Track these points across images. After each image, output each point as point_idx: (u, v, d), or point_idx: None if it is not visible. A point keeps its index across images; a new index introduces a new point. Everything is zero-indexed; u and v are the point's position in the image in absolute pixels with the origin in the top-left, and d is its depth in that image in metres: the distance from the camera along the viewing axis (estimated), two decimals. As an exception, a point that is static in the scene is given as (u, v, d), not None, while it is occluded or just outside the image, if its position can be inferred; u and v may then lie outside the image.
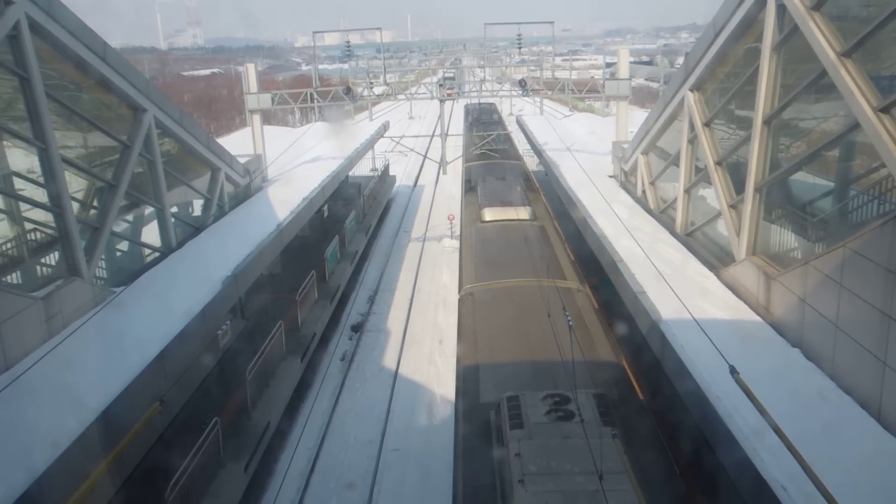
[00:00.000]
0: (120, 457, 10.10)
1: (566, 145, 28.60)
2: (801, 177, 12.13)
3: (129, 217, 16.58)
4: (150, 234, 17.08)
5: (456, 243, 27.77)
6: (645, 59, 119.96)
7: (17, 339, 10.94)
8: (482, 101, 54.92)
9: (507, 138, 41.19)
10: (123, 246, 16.46)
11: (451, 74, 57.60)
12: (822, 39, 10.28)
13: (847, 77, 9.67)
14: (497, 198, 23.00)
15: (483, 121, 47.71)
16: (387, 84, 30.08)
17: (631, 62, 30.65)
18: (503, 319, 14.39)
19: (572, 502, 7.61)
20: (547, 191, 28.81)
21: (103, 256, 14.77)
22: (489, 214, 21.33)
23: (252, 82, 27.28)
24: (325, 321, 20.67)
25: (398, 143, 35.33)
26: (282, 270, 21.34)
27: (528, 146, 40.56)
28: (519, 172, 30.20)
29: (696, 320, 9.83)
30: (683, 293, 11.54)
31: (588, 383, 10.13)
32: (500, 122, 49.05)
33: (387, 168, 40.64)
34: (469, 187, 28.48)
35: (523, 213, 21.27)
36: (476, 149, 35.61)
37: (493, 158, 33.50)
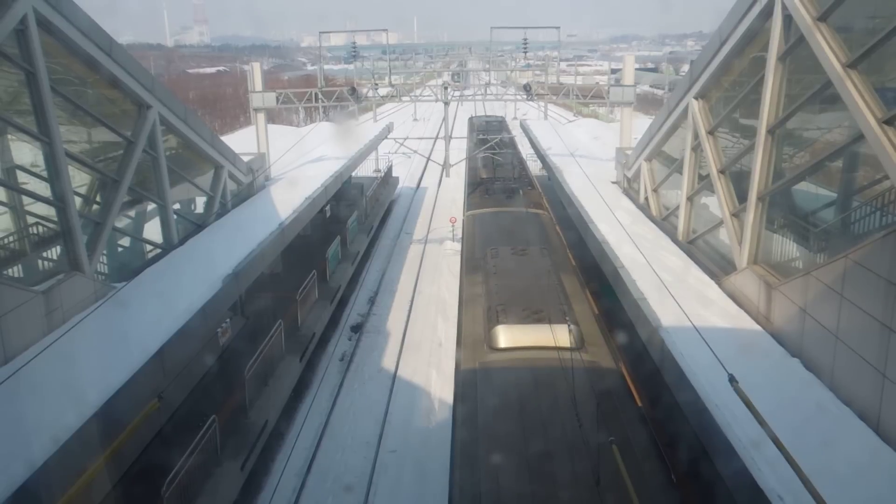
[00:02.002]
0: (117, 453, 10.10)
1: (570, 150, 28.58)
2: (803, 187, 12.13)
3: (132, 213, 16.62)
4: (152, 231, 17.11)
5: (457, 246, 27.71)
6: (650, 66, 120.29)
7: (17, 332, 10.96)
8: (490, 114, 48.90)
9: (524, 168, 30.81)
10: (125, 242, 16.49)
11: (458, 70, 57.96)
12: (827, 50, 10.28)
13: (852, 88, 9.67)
14: (518, 299, 13.24)
15: (490, 139, 34.49)
16: (392, 85, 30.11)
17: (636, 69, 30.73)
18: None
19: None
20: (550, 196, 28.72)
21: (105, 252, 14.80)
22: (505, 337, 12.04)
23: (257, 81, 27.33)
24: (325, 321, 20.69)
25: (402, 144, 35.35)
26: (283, 269, 21.36)
27: (532, 151, 40.10)
28: (549, 235, 19.47)
29: (696, 328, 9.83)
30: (684, 301, 11.53)
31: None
32: (511, 146, 35.71)
33: (390, 169, 40.70)
34: (470, 261, 17.54)
35: (563, 335, 11.58)
36: (479, 185, 26.58)
37: (505, 204, 22.95)
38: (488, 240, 18.36)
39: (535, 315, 12.55)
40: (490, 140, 33.36)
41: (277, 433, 15.42)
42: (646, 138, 20.88)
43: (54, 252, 13.24)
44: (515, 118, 57.61)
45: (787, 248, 12.45)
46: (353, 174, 32.41)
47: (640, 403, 11.22)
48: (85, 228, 13.71)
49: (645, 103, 63.76)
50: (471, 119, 50.77)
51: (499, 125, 42.29)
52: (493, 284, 14.38)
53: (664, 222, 19.18)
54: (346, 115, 35.44)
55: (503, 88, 34.12)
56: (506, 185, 25.55)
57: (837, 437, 8.56)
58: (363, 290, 25.89)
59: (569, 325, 11.82)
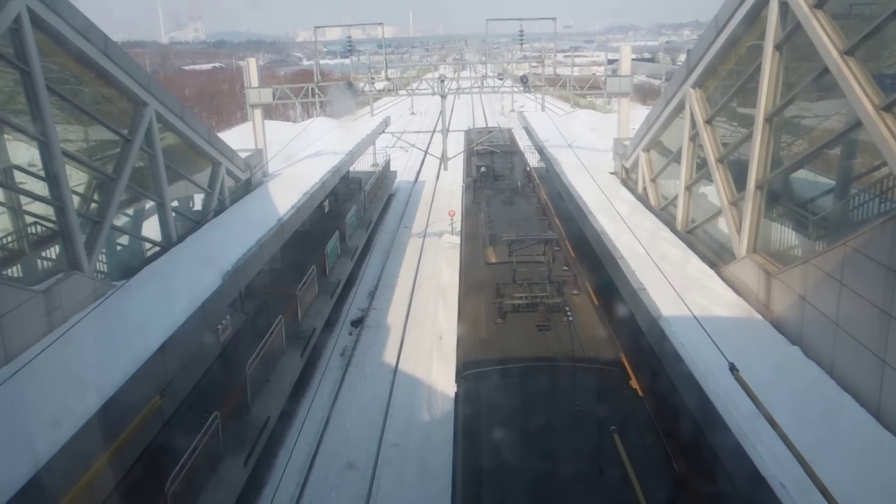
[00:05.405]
0: (120, 450, 10.14)
1: (567, 142, 28.51)
2: (802, 175, 12.13)
3: (130, 211, 16.58)
4: (151, 228, 17.09)
5: (456, 239, 27.74)
6: (647, 56, 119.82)
7: (18, 332, 10.96)
8: (492, 128, 40.64)
9: (565, 254, 16.59)
10: (124, 240, 16.47)
11: (457, 60, 58.43)
12: (824, 37, 10.26)
13: (849, 75, 9.65)
14: None
15: (497, 176, 23.99)
16: (388, 79, 30.03)
17: (633, 59, 30.51)
18: None
19: None
20: (547, 187, 28.60)
21: (104, 250, 14.78)
22: None
23: (253, 77, 27.24)
24: (326, 316, 20.71)
25: (399, 138, 35.29)
26: (282, 265, 21.37)
27: (530, 143, 39.83)
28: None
29: (695, 317, 9.84)
30: (683, 290, 11.55)
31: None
32: (529, 188, 22.71)
33: (388, 163, 40.66)
34: None
35: None
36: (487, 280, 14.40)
37: (544, 355, 11.36)
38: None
39: None
40: (497, 172, 23.92)
41: (280, 428, 15.46)
42: (643, 128, 20.84)
43: (53, 251, 13.23)
44: (513, 110, 57.52)
45: (785, 236, 12.45)
46: (351, 169, 32.36)
47: (641, 393, 11.25)
48: (83, 227, 13.69)
49: (642, 93, 63.58)
50: (468, 133, 37.93)
51: (508, 148, 29.33)
52: None
53: (663, 212, 19.17)
54: (346, 107, 35.27)
55: (500, 81, 33.15)
56: (534, 295, 13.14)
57: (838, 423, 8.59)
58: (363, 284, 25.92)
59: None
